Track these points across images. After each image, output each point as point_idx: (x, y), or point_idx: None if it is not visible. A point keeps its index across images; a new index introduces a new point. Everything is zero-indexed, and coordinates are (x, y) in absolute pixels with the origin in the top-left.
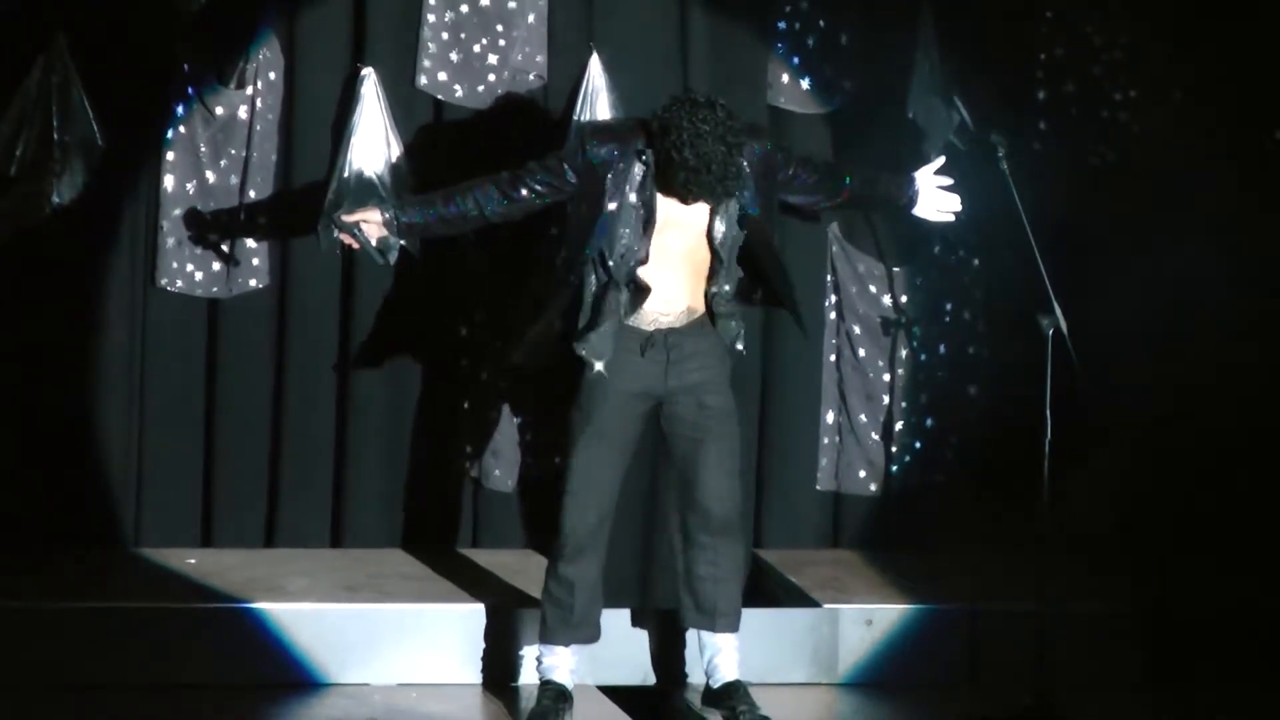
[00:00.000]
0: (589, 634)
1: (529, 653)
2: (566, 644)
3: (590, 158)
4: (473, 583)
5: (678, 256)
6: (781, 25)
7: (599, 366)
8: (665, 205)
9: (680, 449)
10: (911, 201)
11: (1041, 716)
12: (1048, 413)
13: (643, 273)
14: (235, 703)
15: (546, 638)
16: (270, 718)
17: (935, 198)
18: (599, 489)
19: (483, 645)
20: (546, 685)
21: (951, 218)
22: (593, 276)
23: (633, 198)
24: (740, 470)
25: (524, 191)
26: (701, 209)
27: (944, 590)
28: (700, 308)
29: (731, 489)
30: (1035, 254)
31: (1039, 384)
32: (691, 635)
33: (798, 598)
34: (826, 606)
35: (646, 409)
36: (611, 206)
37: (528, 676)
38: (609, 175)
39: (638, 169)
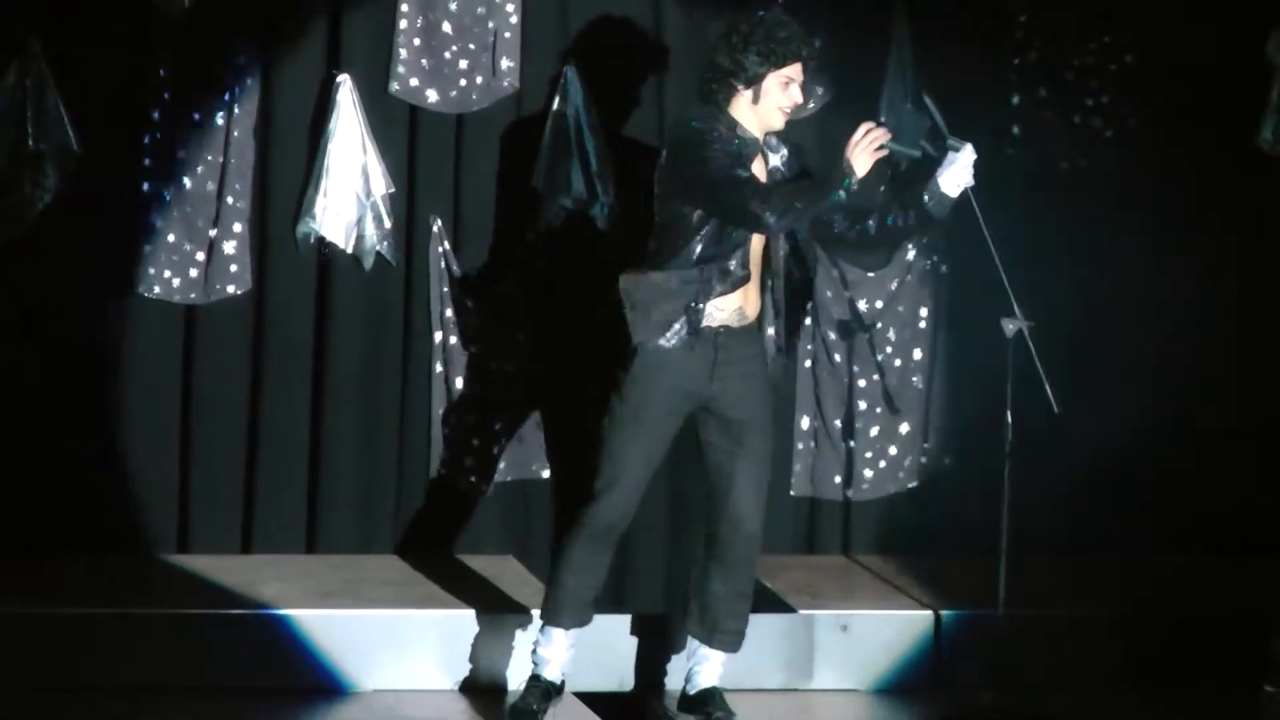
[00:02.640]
0: (584, 617)
1: (521, 646)
2: (569, 626)
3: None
4: (450, 588)
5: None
6: None
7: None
8: None
9: (716, 459)
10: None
11: (1001, 714)
12: (1008, 415)
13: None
14: (216, 706)
15: (551, 619)
16: None
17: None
18: (630, 483)
19: (463, 650)
20: (535, 681)
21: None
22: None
23: None
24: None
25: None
26: None
27: (920, 595)
28: (752, 313)
29: (761, 504)
30: (994, 257)
31: (1015, 388)
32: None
33: (773, 603)
34: (801, 612)
35: (688, 409)
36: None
37: (511, 681)
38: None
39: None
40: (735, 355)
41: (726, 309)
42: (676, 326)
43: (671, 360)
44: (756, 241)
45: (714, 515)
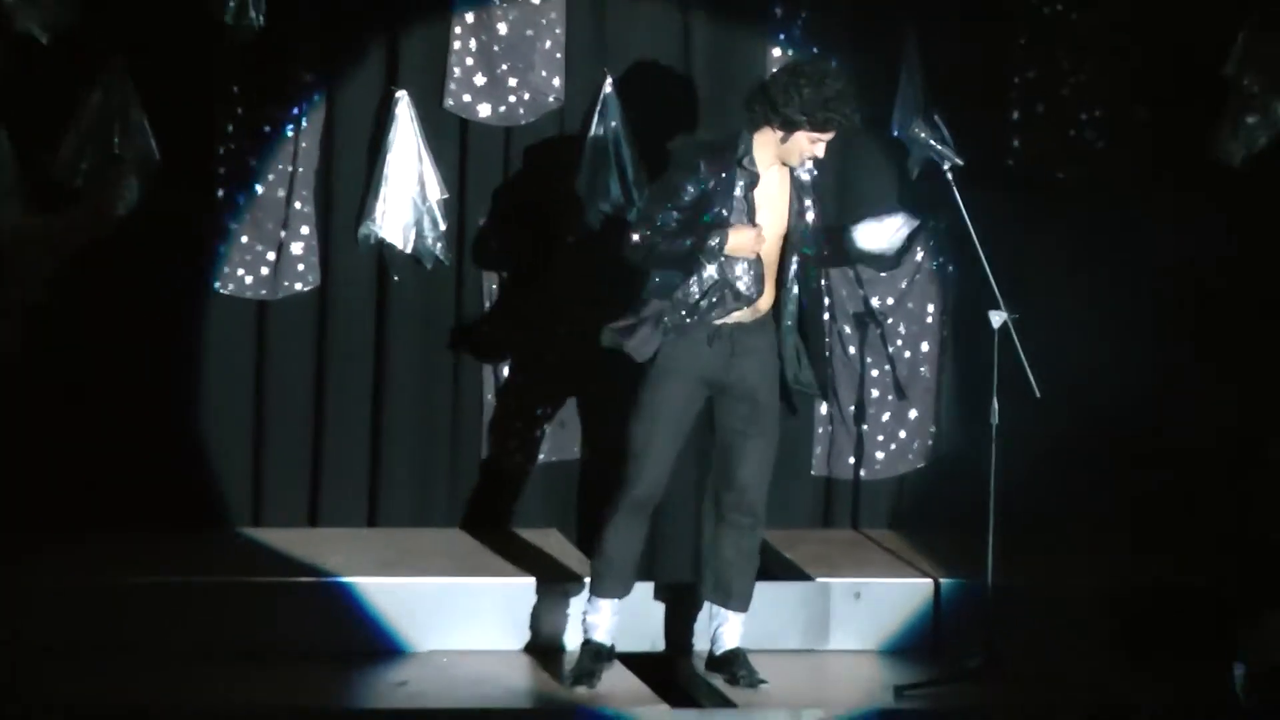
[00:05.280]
0: (626, 587)
1: (574, 611)
2: (617, 595)
3: (699, 175)
4: (500, 557)
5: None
6: (777, 51)
7: (652, 349)
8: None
9: (728, 438)
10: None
11: (992, 673)
12: (994, 400)
13: (745, 283)
14: (286, 667)
15: (597, 590)
16: (318, 682)
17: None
18: (657, 459)
19: (513, 614)
20: (587, 644)
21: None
22: (700, 275)
23: (738, 208)
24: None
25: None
26: (781, 214)
27: (922, 565)
28: (765, 307)
29: (766, 478)
30: (981, 255)
31: (1002, 375)
32: (705, 605)
33: (792, 572)
34: (818, 580)
35: (706, 395)
36: (724, 215)
37: (561, 642)
38: (714, 187)
39: (739, 178)
40: (750, 346)
41: (743, 309)
42: (692, 334)
43: (691, 355)
44: (769, 254)
45: (721, 486)
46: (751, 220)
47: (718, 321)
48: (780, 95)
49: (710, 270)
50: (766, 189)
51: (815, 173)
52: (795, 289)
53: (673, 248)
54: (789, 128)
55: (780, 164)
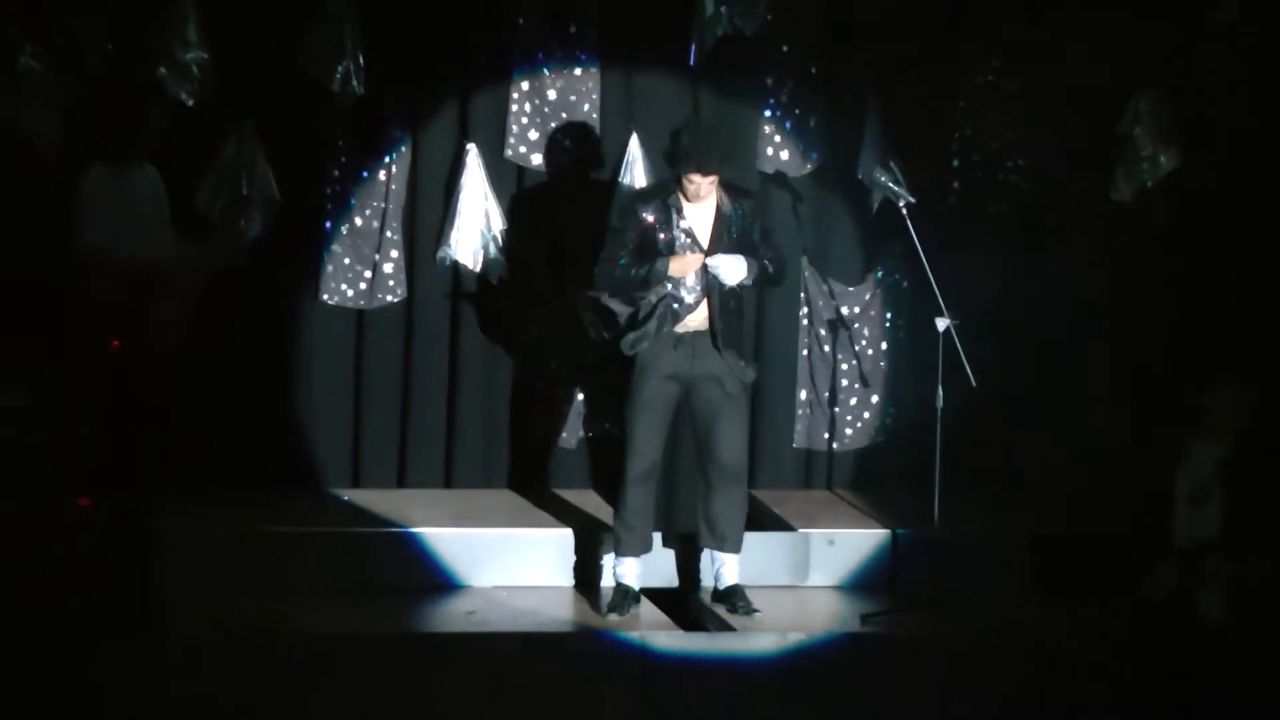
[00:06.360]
0: (646, 546)
1: (607, 563)
2: (637, 554)
3: (640, 215)
4: (548, 513)
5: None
6: (768, 112)
7: (630, 351)
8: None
9: (705, 421)
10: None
11: (935, 604)
12: (939, 389)
13: (689, 295)
14: (377, 599)
15: (619, 551)
16: (403, 612)
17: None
18: (648, 443)
19: (567, 558)
20: (618, 586)
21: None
22: (650, 296)
23: (679, 238)
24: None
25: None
26: (709, 241)
27: (881, 518)
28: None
29: (740, 450)
30: (928, 272)
31: (945, 369)
32: (706, 551)
33: (779, 525)
34: (800, 530)
35: (680, 389)
36: (663, 239)
37: (598, 581)
38: (658, 220)
39: (676, 215)
40: (706, 348)
41: (697, 319)
42: (654, 337)
43: (662, 359)
44: (693, 278)
45: (705, 460)
46: (697, 245)
47: (679, 330)
48: (668, 149)
49: (657, 291)
50: (700, 220)
51: (730, 213)
52: (722, 302)
53: (626, 276)
54: (674, 170)
55: (699, 199)
